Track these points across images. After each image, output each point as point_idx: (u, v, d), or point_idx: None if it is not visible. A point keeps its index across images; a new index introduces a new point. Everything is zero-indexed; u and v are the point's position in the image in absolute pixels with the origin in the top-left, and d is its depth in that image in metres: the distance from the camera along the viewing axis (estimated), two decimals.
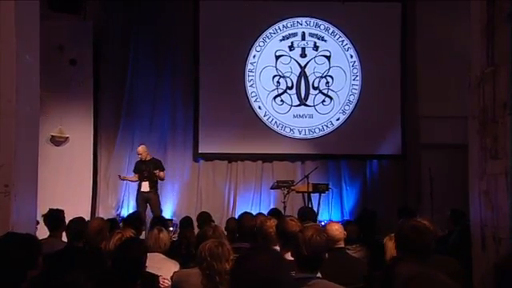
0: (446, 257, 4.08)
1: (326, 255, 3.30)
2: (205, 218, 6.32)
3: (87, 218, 9.10)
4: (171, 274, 3.97)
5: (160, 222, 6.29)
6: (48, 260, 4.82)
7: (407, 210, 6.97)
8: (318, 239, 3.21)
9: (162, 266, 4.39)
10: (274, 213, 6.77)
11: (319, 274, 3.26)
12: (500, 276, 2.41)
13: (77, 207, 9.60)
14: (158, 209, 9.79)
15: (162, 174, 9.84)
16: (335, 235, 4.67)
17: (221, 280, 3.12)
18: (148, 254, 4.63)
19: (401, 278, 1.88)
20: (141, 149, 9.87)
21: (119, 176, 9.96)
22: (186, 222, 6.86)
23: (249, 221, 5.27)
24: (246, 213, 5.74)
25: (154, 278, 3.73)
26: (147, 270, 4.11)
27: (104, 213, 10.18)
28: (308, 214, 6.18)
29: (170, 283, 3.98)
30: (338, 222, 5.06)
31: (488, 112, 4.28)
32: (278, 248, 4.12)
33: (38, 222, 5.52)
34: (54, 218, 5.80)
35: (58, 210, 6.00)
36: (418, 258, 3.21)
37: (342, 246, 4.69)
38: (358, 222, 6.29)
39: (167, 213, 10.66)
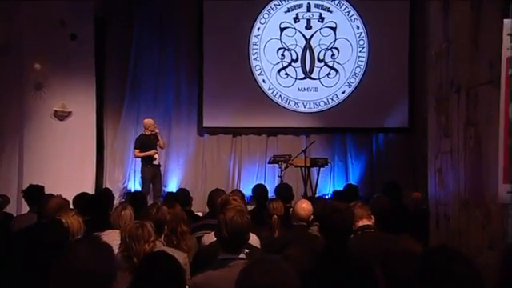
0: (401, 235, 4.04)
1: (251, 235, 3.31)
2: (183, 195, 6.33)
3: (92, 191, 9.35)
4: None
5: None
6: (17, 235, 5.00)
7: (392, 185, 6.86)
8: (239, 220, 3.22)
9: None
10: (257, 189, 6.79)
11: (243, 255, 3.28)
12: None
13: (82, 181, 9.82)
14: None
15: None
16: (299, 214, 4.68)
17: (139, 261, 3.14)
18: (109, 231, 4.73)
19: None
20: (152, 121, 9.75)
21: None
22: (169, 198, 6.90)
23: (216, 197, 5.29)
24: (216, 189, 5.74)
25: None
26: None
27: (111, 186, 10.32)
28: (282, 191, 6.18)
29: None
30: (307, 201, 4.99)
31: (443, 89, 4.19)
32: None
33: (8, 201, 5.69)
34: (33, 193, 5.97)
35: (37, 185, 6.17)
36: (339, 237, 3.21)
37: (305, 224, 4.69)
38: (338, 197, 6.26)
39: (172, 187, 10.77)
